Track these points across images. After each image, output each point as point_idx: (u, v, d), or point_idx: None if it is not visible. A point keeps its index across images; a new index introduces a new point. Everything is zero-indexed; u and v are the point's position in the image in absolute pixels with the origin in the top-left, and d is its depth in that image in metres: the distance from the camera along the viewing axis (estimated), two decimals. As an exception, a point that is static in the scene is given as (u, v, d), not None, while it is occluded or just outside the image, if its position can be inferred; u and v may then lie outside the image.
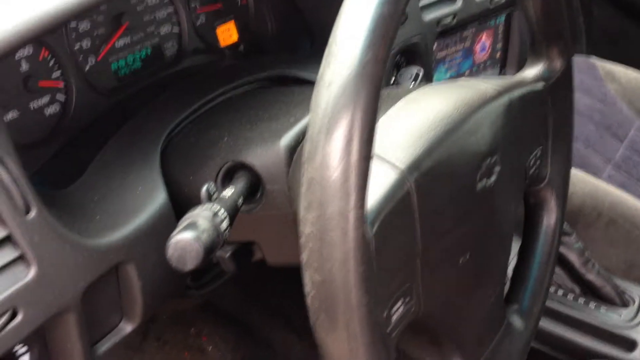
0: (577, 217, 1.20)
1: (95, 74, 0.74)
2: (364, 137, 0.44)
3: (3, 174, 0.51)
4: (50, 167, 0.68)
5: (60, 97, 0.71)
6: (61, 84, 0.71)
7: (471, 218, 0.62)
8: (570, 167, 0.82)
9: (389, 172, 0.54)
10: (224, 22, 0.88)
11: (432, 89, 0.68)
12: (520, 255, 0.80)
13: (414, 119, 0.60)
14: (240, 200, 0.61)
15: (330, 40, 0.46)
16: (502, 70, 1.22)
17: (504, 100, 0.66)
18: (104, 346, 0.63)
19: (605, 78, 1.60)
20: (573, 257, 1.11)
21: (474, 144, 0.61)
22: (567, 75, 0.75)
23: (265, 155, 0.64)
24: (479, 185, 0.62)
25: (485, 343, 0.69)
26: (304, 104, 0.71)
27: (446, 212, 0.58)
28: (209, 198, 0.58)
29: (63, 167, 0.68)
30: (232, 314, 1.18)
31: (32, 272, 0.53)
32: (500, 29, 1.19)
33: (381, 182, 0.52)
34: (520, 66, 1.25)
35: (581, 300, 1.10)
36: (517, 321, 0.75)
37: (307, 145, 0.45)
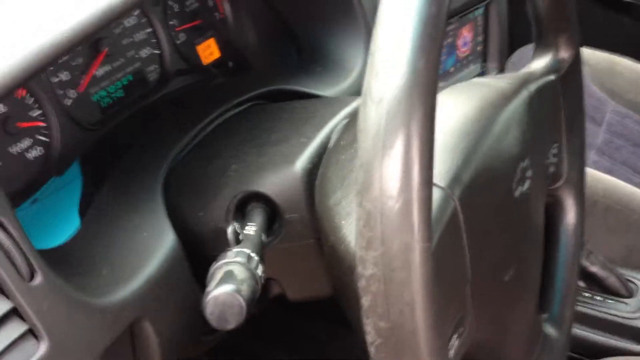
0: (574, 208, 1.18)
1: (78, 108, 0.67)
2: (424, 158, 0.38)
3: (3, 238, 0.44)
4: (40, 218, 0.61)
5: (43, 137, 0.64)
6: (42, 123, 0.64)
7: (512, 230, 0.58)
8: (585, 161, 0.78)
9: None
10: (204, 39, 0.82)
11: (448, 94, 0.63)
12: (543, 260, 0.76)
13: (442, 129, 0.55)
14: (264, 237, 0.55)
15: (372, 48, 0.39)
16: (484, 64, 1.19)
17: (524, 96, 0.62)
18: None
19: (575, 62, 1.59)
20: (575, 250, 1.08)
21: (507, 147, 0.57)
22: (576, 64, 0.72)
23: (280, 182, 0.59)
24: (516, 194, 0.57)
25: None
26: (312, 121, 0.66)
27: (490, 227, 0.54)
28: (237, 240, 0.52)
29: (54, 217, 0.61)
30: (233, 346, 1.12)
31: (43, 347, 0.46)
32: (479, 21, 1.16)
33: None
34: (501, 58, 1.22)
35: (587, 294, 1.07)
36: (551, 330, 0.71)
37: (359, 174, 0.39)
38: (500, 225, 0.55)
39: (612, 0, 1.79)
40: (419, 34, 0.38)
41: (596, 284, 1.08)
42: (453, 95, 0.62)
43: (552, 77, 0.68)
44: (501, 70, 1.24)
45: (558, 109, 0.70)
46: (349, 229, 0.51)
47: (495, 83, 0.63)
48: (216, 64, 0.83)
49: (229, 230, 0.52)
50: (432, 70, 0.39)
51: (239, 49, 0.86)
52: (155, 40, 0.76)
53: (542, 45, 0.70)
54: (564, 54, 0.70)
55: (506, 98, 0.60)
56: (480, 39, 1.17)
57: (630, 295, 1.07)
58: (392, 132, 0.38)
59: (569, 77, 0.70)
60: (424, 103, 0.38)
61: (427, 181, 0.39)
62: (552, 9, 0.67)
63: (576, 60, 0.72)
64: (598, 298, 1.05)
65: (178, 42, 0.79)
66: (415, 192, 0.38)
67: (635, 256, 1.18)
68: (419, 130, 0.38)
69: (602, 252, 1.11)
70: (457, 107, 0.58)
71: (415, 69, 0.38)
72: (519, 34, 1.20)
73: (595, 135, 1.49)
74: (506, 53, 1.24)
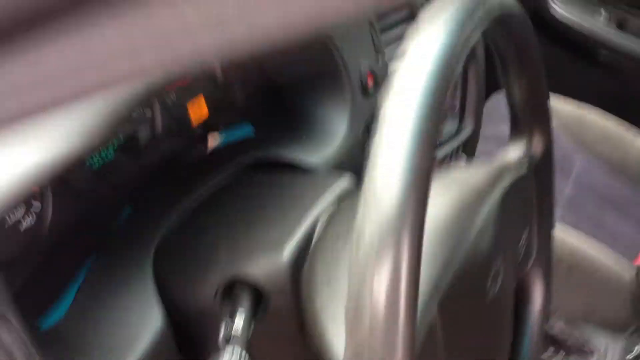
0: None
1: (71, 173, 0.68)
2: (410, 295, 0.41)
3: (3, 334, 0.45)
4: (26, 293, 0.61)
5: (36, 205, 0.64)
6: (36, 190, 0.64)
7: (484, 329, 0.60)
8: (553, 241, 0.81)
9: None
10: (193, 96, 0.83)
11: None
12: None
13: None
14: (251, 328, 0.57)
15: (364, 189, 0.43)
16: (462, 122, 1.22)
17: (498, 193, 0.64)
18: None
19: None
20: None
21: (483, 248, 0.59)
22: (549, 155, 0.75)
23: (268, 269, 0.61)
24: (490, 295, 0.60)
25: None
26: (299, 202, 0.68)
27: (465, 328, 0.56)
28: (227, 340, 0.54)
29: (42, 291, 0.61)
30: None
31: None
32: (458, 80, 1.19)
33: None
34: (478, 113, 1.26)
35: (549, 351, 1.11)
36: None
37: (350, 302, 0.42)
38: (473, 328, 0.57)
39: (583, 53, 1.85)
40: (407, 176, 0.41)
41: (558, 344, 1.12)
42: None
43: (524, 167, 0.71)
44: (478, 122, 1.27)
45: (530, 200, 0.72)
46: (335, 334, 0.53)
47: (469, 181, 0.65)
48: (206, 124, 0.84)
49: (220, 332, 0.54)
50: (421, 204, 0.42)
51: (227, 109, 0.88)
52: (146, 100, 0.77)
53: (517, 133, 0.73)
54: (537, 145, 0.72)
55: (481, 198, 0.62)
56: (458, 96, 1.21)
57: (591, 353, 1.11)
58: (380, 271, 0.41)
59: (541, 168, 0.73)
60: (411, 245, 0.41)
61: (411, 318, 0.42)
62: (528, 102, 0.69)
63: (549, 151, 0.74)
64: (560, 357, 1.09)
65: (169, 102, 0.80)
66: (400, 328, 0.41)
67: (596, 314, 1.22)
68: (406, 271, 0.41)
69: (565, 310, 1.15)
70: (434, 211, 0.61)
71: (403, 214, 0.41)
72: (492, 81, 1.23)
73: (564, 188, 1.53)
74: (482, 108, 1.28)
